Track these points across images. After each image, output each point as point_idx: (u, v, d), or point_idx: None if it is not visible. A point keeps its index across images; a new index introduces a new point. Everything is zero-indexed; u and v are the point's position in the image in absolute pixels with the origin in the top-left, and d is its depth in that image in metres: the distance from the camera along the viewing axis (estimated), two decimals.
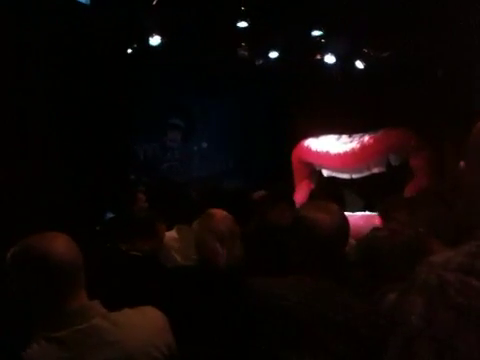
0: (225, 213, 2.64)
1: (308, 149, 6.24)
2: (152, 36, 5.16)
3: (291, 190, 6.33)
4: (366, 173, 5.70)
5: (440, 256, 0.90)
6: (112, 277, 1.56)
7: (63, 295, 1.44)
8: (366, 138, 5.69)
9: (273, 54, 6.06)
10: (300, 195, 5.99)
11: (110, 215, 4.51)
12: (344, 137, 5.97)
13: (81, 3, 4.40)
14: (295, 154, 6.45)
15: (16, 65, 4.46)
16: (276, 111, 7.05)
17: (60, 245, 1.46)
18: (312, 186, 6.03)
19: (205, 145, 7.54)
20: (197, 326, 1.73)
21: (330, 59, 5.97)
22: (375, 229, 2.61)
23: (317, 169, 6.23)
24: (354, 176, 5.79)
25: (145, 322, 1.54)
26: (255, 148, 7.20)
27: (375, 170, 5.62)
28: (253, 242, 2.75)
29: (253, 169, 7.05)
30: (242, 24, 5.36)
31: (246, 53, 5.88)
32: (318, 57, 6.08)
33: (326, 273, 1.63)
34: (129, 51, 5.54)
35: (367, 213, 5.49)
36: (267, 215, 3.51)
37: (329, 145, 6.01)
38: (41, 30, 4.67)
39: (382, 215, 2.77)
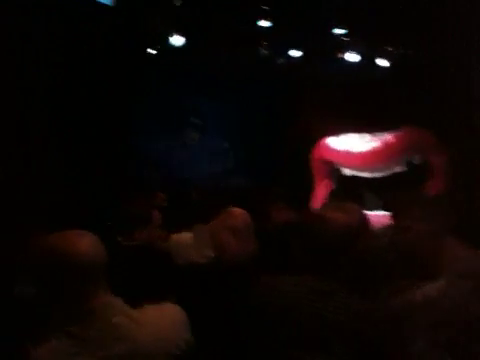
0: (242, 210, 2.69)
1: (329, 148, 6.23)
2: (172, 36, 5.20)
3: (306, 189, 6.30)
4: (387, 172, 5.67)
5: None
6: (115, 272, 1.58)
7: (86, 292, 1.46)
8: (388, 137, 5.66)
9: (294, 52, 6.05)
10: (320, 194, 5.99)
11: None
12: (366, 136, 5.94)
13: (103, 4, 4.47)
14: (315, 153, 6.44)
15: (34, 64, 4.54)
16: (296, 111, 7.03)
17: (84, 243, 1.48)
18: (332, 185, 6.01)
19: (222, 144, 7.55)
20: (206, 321, 1.76)
21: (352, 57, 5.94)
22: (387, 228, 2.62)
23: (337, 168, 6.21)
24: (375, 175, 5.76)
25: (164, 319, 1.56)
26: (273, 147, 7.20)
27: (396, 169, 5.58)
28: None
29: (268, 167, 7.05)
30: (263, 23, 5.36)
31: (266, 52, 5.88)
32: (339, 55, 6.05)
33: (331, 273, 1.63)
34: (150, 51, 5.60)
35: (386, 212, 5.44)
36: (265, 213, 3.55)
37: (351, 144, 5.99)
38: (61, 30, 4.75)
39: (394, 211, 2.76)
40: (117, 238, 2.83)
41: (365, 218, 1.76)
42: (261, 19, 5.30)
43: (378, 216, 5.39)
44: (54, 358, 1.39)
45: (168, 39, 5.24)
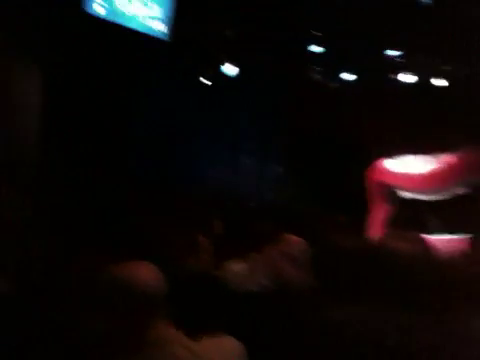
0: (299, 238, 2.64)
1: (385, 169, 6.09)
2: (224, 64, 5.29)
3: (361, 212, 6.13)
4: (447, 195, 5.47)
5: None
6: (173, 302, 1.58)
7: (146, 323, 1.46)
8: (448, 158, 5.48)
9: (346, 75, 6.01)
10: (378, 219, 5.83)
11: None
12: (425, 157, 5.78)
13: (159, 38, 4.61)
14: (371, 175, 6.29)
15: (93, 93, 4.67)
16: (346, 133, 6.94)
17: (145, 273, 1.50)
18: (390, 209, 5.84)
19: (279, 169, 7.54)
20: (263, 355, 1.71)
21: (406, 78, 5.84)
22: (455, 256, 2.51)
23: (394, 191, 6.04)
24: (435, 198, 5.57)
25: (224, 353, 1.54)
26: (330, 171, 7.11)
27: (457, 191, 5.38)
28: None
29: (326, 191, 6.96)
30: (314, 48, 5.38)
31: (319, 76, 5.88)
32: (393, 77, 5.97)
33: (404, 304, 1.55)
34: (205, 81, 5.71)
35: (450, 236, 5.24)
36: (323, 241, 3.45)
37: (409, 166, 5.84)
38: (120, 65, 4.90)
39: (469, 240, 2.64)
40: (168, 267, 2.82)
41: (429, 246, 1.68)
42: (312, 44, 5.31)
43: (442, 241, 5.21)
44: None
45: (222, 68, 5.33)
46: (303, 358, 1.65)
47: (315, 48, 5.33)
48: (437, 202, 5.59)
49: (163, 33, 4.75)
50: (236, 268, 3.15)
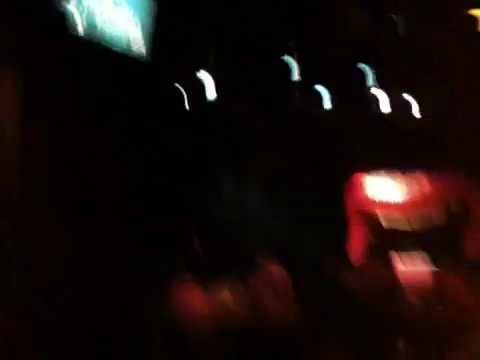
0: (280, 267, 2.60)
1: (364, 196, 6.10)
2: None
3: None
4: (426, 223, 5.50)
5: None
6: None
7: None
8: (425, 182, 5.54)
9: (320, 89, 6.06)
10: (357, 247, 5.81)
11: None
12: (402, 181, 5.82)
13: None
14: (351, 201, 6.29)
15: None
16: (328, 148, 6.96)
17: None
18: (370, 237, 5.84)
19: (259, 188, 7.51)
20: None
21: (379, 94, 5.93)
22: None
23: (374, 217, 6.05)
24: (415, 227, 5.59)
25: None
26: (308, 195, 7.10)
27: (436, 221, 5.42)
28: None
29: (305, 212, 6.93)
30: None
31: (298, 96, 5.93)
32: (373, 98, 6.05)
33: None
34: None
35: (429, 268, 5.25)
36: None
37: (387, 192, 5.87)
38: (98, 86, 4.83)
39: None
40: None
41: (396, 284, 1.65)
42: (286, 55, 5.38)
43: (420, 273, 5.22)
44: None
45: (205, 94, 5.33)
46: None
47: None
48: (415, 232, 5.63)
49: (143, 53, 4.74)
50: (221, 297, 3.10)
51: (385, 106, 5.99)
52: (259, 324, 2.39)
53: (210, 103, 5.46)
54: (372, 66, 5.65)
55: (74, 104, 4.46)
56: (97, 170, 4.92)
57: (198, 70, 5.37)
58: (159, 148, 6.11)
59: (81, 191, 4.49)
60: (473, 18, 5.13)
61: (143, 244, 5.14)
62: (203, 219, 6.96)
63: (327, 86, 6.04)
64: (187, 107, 5.58)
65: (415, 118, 5.95)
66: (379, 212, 5.93)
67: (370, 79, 5.76)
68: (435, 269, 4.93)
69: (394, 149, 5.96)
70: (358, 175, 6.29)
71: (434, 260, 5.18)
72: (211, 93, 5.33)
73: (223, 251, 4.07)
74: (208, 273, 3.62)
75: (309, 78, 5.83)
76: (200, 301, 1.44)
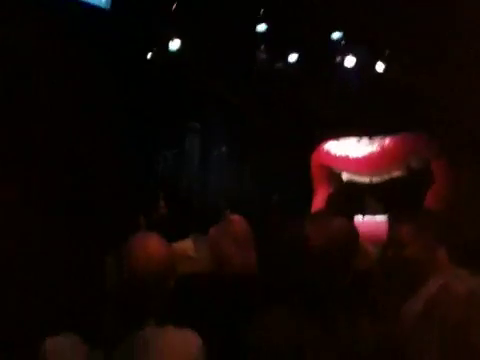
0: (241, 218, 2.63)
1: (328, 153, 6.18)
2: (172, 40, 5.16)
3: (310, 194, 6.28)
4: (386, 177, 5.62)
5: (461, 285, 0.85)
6: None
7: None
8: (387, 141, 5.62)
9: (292, 57, 6.03)
10: (319, 200, 5.94)
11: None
12: (365, 140, 5.90)
13: (100, 8, 4.42)
14: (315, 158, 6.39)
15: (30, 70, 4.47)
16: (295, 115, 6.98)
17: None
18: (331, 190, 5.95)
19: (224, 150, 7.50)
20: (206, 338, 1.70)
21: (350, 61, 5.92)
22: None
23: (336, 173, 6.16)
24: (374, 180, 5.72)
25: (185, 343, 1.56)
26: (274, 152, 7.14)
27: (395, 174, 5.54)
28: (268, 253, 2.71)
29: (272, 173, 6.99)
30: (261, 27, 5.35)
31: (265, 56, 5.85)
32: (338, 59, 6.03)
33: (338, 301, 1.55)
34: (149, 56, 5.54)
35: (387, 219, 5.40)
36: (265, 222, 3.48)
37: (349, 148, 5.95)
38: (58, 35, 4.68)
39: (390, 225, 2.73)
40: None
41: (351, 234, 1.67)
42: (259, 23, 5.28)
43: (378, 222, 5.38)
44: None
45: (166, 43, 5.19)
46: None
47: (262, 27, 5.28)
48: (376, 185, 5.75)
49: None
50: (181, 249, 3.14)
51: (351, 67, 5.96)
52: (219, 272, 2.43)
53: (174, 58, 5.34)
54: (340, 29, 5.59)
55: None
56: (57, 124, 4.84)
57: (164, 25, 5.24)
58: (123, 108, 6.02)
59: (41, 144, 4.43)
60: None
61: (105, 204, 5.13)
62: (167, 180, 6.98)
63: (293, 47, 6.00)
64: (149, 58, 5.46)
65: (380, 80, 5.96)
66: (340, 166, 6.04)
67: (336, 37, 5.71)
68: (392, 219, 5.10)
69: (359, 109, 6.01)
70: (322, 133, 6.36)
71: (392, 211, 5.35)
72: (175, 45, 5.21)
73: (187, 212, 4.08)
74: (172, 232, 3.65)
75: (276, 37, 5.75)
76: (161, 248, 1.46)
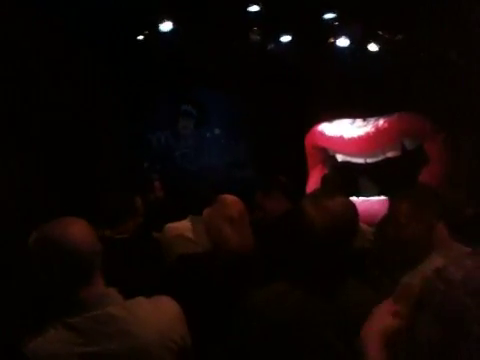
0: (236, 198, 2.63)
1: (321, 134, 6.17)
2: (163, 22, 5.11)
3: (304, 176, 6.29)
4: (381, 157, 5.62)
5: (456, 269, 0.84)
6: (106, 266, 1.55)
7: (79, 281, 1.44)
8: (380, 122, 5.61)
9: (285, 38, 5.99)
10: (313, 181, 5.95)
11: None
12: (358, 121, 5.89)
13: None
14: (308, 139, 6.39)
15: (23, 53, 4.44)
16: (289, 97, 6.96)
17: (76, 231, 1.46)
18: (326, 172, 5.96)
19: (217, 132, 7.48)
20: (203, 316, 1.71)
21: (343, 42, 5.89)
22: (387, 216, 2.58)
23: (331, 154, 6.17)
24: (368, 161, 5.72)
25: (160, 312, 1.53)
26: (268, 134, 7.14)
27: (390, 154, 5.54)
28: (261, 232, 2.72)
29: (267, 156, 7.00)
30: (254, 8, 5.30)
31: (258, 37, 5.81)
32: (331, 40, 6.00)
33: (332, 272, 1.55)
34: (140, 38, 5.49)
35: (382, 198, 5.43)
36: (261, 205, 3.48)
37: (343, 129, 5.94)
38: (47, 18, 4.63)
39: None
40: (103, 232, 2.77)
41: (351, 210, 1.67)
42: (251, 4, 5.23)
43: (372, 202, 5.41)
44: (53, 349, 1.38)
45: (158, 25, 5.13)
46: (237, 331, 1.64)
47: (254, 8, 5.22)
48: (370, 165, 5.76)
49: None
50: (179, 229, 3.15)
51: (345, 48, 5.94)
52: (216, 252, 2.44)
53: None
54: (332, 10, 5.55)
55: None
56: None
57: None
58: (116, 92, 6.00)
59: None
60: None
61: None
62: (161, 162, 6.97)
63: (286, 28, 5.95)
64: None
65: (376, 63, 5.94)
66: (334, 147, 6.04)
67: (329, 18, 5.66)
68: (387, 198, 5.13)
69: (352, 92, 6.01)
70: (317, 114, 6.35)
71: (386, 191, 5.38)
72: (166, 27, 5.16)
73: (183, 193, 4.09)
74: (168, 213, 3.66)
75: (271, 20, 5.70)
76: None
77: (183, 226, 3.23)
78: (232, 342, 1.59)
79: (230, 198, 2.60)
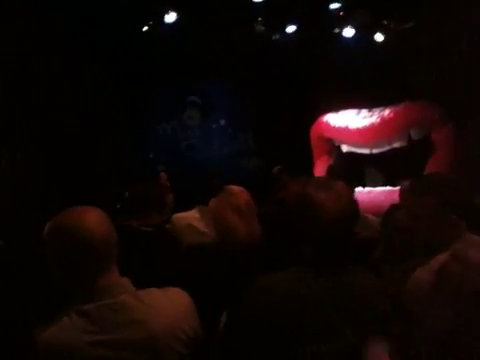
0: (243, 188, 2.63)
1: (327, 124, 6.17)
2: (168, 13, 5.10)
3: (311, 166, 6.29)
4: (387, 148, 5.61)
5: (475, 253, 0.85)
6: (124, 255, 1.55)
7: (93, 270, 1.45)
8: (386, 112, 5.59)
9: (290, 28, 5.96)
10: (319, 171, 5.95)
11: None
12: (364, 111, 5.87)
13: None
14: (314, 130, 6.38)
15: (29, 46, 4.44)
16: (294, 87, 6.94)
17: (91, 219, 1.46)
18: (331, 162, 5.96)
19: (223, 122, 7.48)
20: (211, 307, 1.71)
21: (349, 32, 5.86)
22: (393, 206, 2.57)
23: (336, 145, 6.16)
24: (374, 151, 5.71)
25: (172, 304, 1.53)
26: (274, 125, 7.13)
27: (396, 145, 5.52)
28: (267, 220, 2.72)
29: (272, 146, 6.99)
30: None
31: (263, 28, 5.78)
32: (336, 30, 5.97)
33: (339, 259, 1.57)
34: (145, 29, 5.48)
35: (388, 188, 5.43)
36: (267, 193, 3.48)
37: (349, 120, 5.92)
38: (54, 10, 4.63)
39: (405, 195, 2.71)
40: (128, 221, 2.78)
41: (352, 197, 1.67)
42: None
43: (378, 193, 5.40)
44: (66, 337, 1.39)
45: (163, 16, 5.12)
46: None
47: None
48: (375, 155, 5.75)
49: None
50: (187, 220, 3.16)
51: (351, 41, 5.92)
52: (223, 242, 2.44)
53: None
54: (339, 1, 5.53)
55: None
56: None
57: None
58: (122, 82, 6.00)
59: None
60: None
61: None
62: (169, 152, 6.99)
63: (291, 18, 5.92)
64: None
65: (381, 52, 5.91)
66: (340, 138, 6.03)
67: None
68: (393, 188, 5.13)
69: (357, 81, 5.98)
70: (322, 105, 6.33)
71: (393, 180, 5.37)
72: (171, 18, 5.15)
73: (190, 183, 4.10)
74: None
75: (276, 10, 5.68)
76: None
77: (191, 216, 3.24)
78: (236, 331, 1.60)
79: (237, 189, 2.60)
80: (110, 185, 4.82)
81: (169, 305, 1.52)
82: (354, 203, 1.62)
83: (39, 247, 1.49)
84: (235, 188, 2.61)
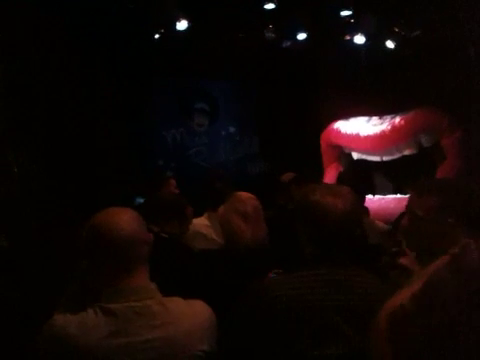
0: (250, 194, 2.65)
1: (337, 132, 6.16)
2: (179, 21, 5.12)
3: (318, 173, 6.27)
4: (397, 155, 5.58)
5: None
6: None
7: (123, 271, 1.48)
8: (397, 119, 5.56)
9: (301, 36, 5.97)
10: (329, 178, 5.94)
11: (140, 200, 4.56)
12: (374, 119, 5.86)
13: None
14: (324, 137, 6.37)
15: (39, 51, 4.48)
16: (303, 94, 6.94)
17: (124, 220, 1.50)
18: (341, 169, 5.94)
19: (232, 130, 7.49)
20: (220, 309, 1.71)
21: (359, 39, 5.85)
22: (403, 214, 2.55)
23: (346, 152, 6.14)
24: (385, 158, 5.68)
25: (194, 314, 1.54)
26: (281, 131, 7.12)
27: (406, 152, 5.49)
28: (274, 225, 2.72)
29: (280, 152, 6.98)
30: (269, 6, 5.29)
31: (273, 35, 5.80)
32: (347, 37, 5.97)
33: (342, 261, 1.57)
34: (156, 36, 5.51)
35: (398, 196, 5.40)
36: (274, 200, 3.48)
37: (359, 127, 5.91)
38: (64, 16, 4.67)
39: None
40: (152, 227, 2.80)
41: (356, 201, 1.67)
42: (267, 2, 5.22)
43: (388, 200, 5.38)
44: (87, 330, 1.42)
45: (174, 23, 5.15)
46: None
47: (270, 6, 5.21)
48: (386, 163, 5.72)
49: None
50: (198, 224, 3.18)
51: (362, 48, 5.91)
52: (231, 247, 2.46)
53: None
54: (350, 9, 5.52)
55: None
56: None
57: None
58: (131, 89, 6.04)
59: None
60: None
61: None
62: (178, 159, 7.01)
63: (301, 25, 5.93)
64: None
65: (391, 58, 5.89)
66: (350, 145, 6.01)
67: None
68: (403, 196, 5.10)
69: (367, 90, 5.97)
70: (332, 112, 6.32)
71: (402, 188, 5.34)
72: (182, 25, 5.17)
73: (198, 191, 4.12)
74: None
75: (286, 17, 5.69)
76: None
77: (200, 223, 3.26)
78: (237, 334, 1.59)
79: (244, 194, 2.62)
80: (117, 191, 4.84)
81: (192, 316, 1.53)
82: (358, 207, 1.62)
83: (42, 247, 1.51)
84: (243, 194, 2.63)
